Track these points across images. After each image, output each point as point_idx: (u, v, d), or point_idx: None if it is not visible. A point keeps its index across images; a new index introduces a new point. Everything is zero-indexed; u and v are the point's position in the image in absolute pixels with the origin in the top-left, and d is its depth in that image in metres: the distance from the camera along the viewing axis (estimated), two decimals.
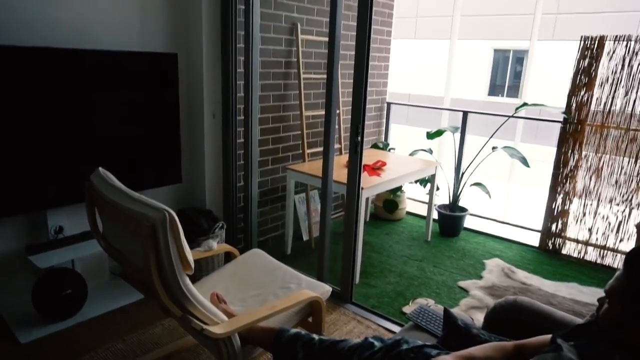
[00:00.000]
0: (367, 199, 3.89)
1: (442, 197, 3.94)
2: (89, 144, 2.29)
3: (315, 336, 1.48)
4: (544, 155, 4.22)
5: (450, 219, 3.72)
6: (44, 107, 2.10)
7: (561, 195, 3.41)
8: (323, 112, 2.53)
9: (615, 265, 3.27)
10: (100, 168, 1.64)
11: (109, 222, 1.62)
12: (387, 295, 2.75)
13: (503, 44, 12.15)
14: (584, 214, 3.35)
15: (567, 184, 3.37)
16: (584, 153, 3.28)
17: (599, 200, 3.28)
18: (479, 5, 11.43)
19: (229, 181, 2.94)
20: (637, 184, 3.10)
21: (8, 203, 2.09)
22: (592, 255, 3.36)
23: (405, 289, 2.84)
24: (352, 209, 2.45)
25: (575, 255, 3.41)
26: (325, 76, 2.41)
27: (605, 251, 3.29)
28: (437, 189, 3.64)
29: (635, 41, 2.99)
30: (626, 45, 3.02)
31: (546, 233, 3.51)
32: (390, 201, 3.91)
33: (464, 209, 3.76)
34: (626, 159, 3.13)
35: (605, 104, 3.15)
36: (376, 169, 3.09)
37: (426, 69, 12.98)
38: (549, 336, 1.20)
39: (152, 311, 2.31)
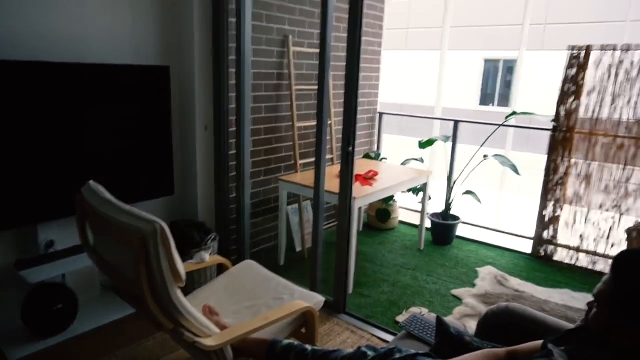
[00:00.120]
0: (360, 208, 3.89)
1: (434, 206, 3.96)
2: (81, 157, 2.29)
3: (308, 347, 1.48)
4: (534, 163, 4.26)
5: (443, 227, 3.73)
6: (35, 120, 2.10)
7: (552, 202, 3.44)
8: (315, 123, 2.54)
9: (606, 271, 3.29)
10: (91, 181, 1.64)
11: (100, 235, 1.61)
12: (381, 304, 2.74)
13: (493, 53, 12.32)
14: (575, 221, 3.38)
15: (558, 190, 3.40)
16: (573, 160, 3.32)
17: (589, 206, 3.31)
18: (469, 17, 11.61)
19: (221, 193, 2.94)
20: (626, 190, 3.14)
21: None
22: (583, 261, 3.38)
23: (398, 298, 2.83)
24: (344, 218, 2.46)
25: (567, 261, 3.43)
26: (316, 87, 2.43)
27: (597, 257, 3.32)
28: (429, 197, 3.66)
29: (621, 50, 3.05)
30: (612, 54, 3.08)
31: (538, 240, 3.54)
32: (382, 210, 3.92)
33: (456, 217, 3.78)
34: (614, 166, 3.17)
35: (593, 111, 3.20)
36: (368, 178, 3.11)
37: (418, 79, 13.11)
38: (541, 342, 1.21)
39: (143, 325, 2.29)
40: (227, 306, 1.86)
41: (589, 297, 1.11)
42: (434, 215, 3.81)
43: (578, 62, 3.19)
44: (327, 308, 2.50)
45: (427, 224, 3.72)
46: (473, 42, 12.10)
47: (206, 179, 2.91)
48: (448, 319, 1.53)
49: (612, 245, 3.25)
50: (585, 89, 3.20)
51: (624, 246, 3.17)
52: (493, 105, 12.76)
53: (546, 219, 3.48)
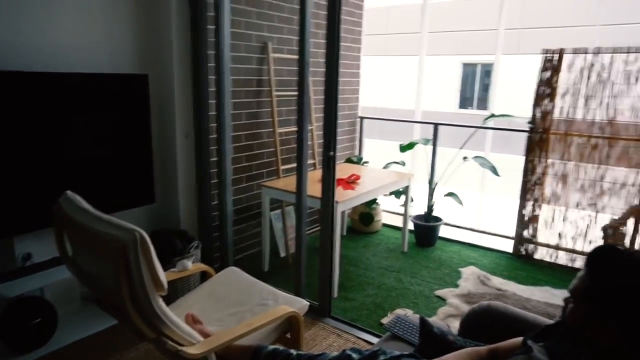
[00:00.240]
0: (343, 212, 3.91)
1: (417, 208, 4.00)
2: (58, 167, 2.25)
3: (293, 351, 1.48)
4: (514, 164, 4.34)
5: (426, 229, 3.77)
6: (10, 131, 2.05)
7: (531, 202, 3.51)
8: (296, 129, 2.55)
9: None
10: (68, 191, 1.61)
11: (79, 245, 1.58)
12: (366, 307, 2.75)
13: (471, 58, 12.54)
14: (554, 219, 3.45)
15: (536, 190, 3.47)
16: (550, 160, 3.40)
17: (567, 205, 3.39)
18: (446, 22, 11.81)
19: (204, 200, 2.92)
20: (601, 189, 3.23)
21: None
22: (563, 259, 3.45)
23: (383, 300, 2.85)
24: (327, 222, 2.47)
25: (548, 259, 3.50)
26: (297, 93, 2.44)
27: (575, 254, 3.39)
28: (412, 200, 3.70)
29: (592, 53, 3.14)
30: (584, 58, 3.17)
31: (519, 239, 3.60)
32: (366, 214, 3.94)
33: (438, 219, 3.82)
34: (590, 165, 3.26)
35: (567, 113, 3.28)
36: (350, 182, 3.12)
37: (398, 83, 13.25)
38: (521, 339, 1.23)
39: (126, 336, 2.25)
40: (211, 314, 1.84)
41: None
42: (416, 217, 3.84)
43: (552, 65, 3.28)
44: (312, 313, 2.50)
45: (411, 226, 3.75)
46: (451, 47, 12.30)
47: (188, 187, 2.89)
48: (432, 319, 1.55)
49: (590, 243, 3.32)
50: (559, 91, 3.28)
51: (601, 243, 3.25)
52: (472, 108, 12.97)
53: (526, 218, 3.55)
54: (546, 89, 3.32)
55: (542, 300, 2.87)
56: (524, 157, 3.49)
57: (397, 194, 3.77)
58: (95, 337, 2.32)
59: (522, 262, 3.53)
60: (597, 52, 3.11)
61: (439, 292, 2.96)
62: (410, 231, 3.78)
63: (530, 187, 3.49)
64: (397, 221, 4.14)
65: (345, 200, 2.79)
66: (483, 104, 12.61)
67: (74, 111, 2.26)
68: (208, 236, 2.96)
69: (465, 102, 13.13)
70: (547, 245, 3.49)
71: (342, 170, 3.48)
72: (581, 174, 3.30)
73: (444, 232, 3.91)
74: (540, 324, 1.43)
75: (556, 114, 3.31)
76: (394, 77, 13.43)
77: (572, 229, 3.39)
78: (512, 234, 3.66)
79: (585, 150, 3.26)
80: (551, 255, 3.49)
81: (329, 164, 2.38)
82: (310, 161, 3.53)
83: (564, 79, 3.25)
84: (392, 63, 13.43)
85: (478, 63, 12.72)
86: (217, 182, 2.90)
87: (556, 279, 3.24)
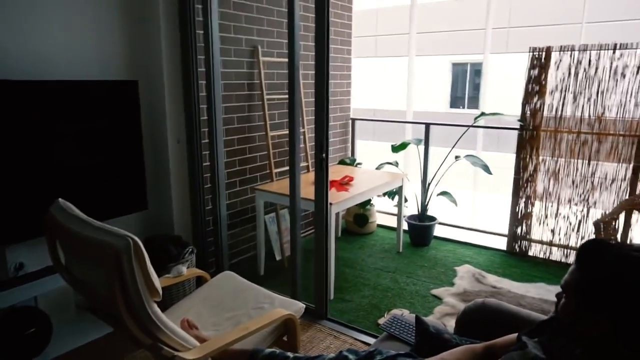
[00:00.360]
0: (338, 214, 3.91)
1: (411, 208, 4.01)
2: (49, 175, 2.23)
3: (290, 354, 1.47)
4: (505, 162, 4.38)
5: (420, 229, 3.78)
6: (1, 139, 2.04)
7: (523, 199, 3.53)
8: (288, 132, 2.56)
9: None
10: (59, 199, 1.60)
11: (72, 253, 1.57)
12: (363, 308, 2.76)
13: (460, 57, 12.63)
14: (546, 216, 3.48)
15: (528, 187, 3.50)
16: (541, 157, 3.43)
17: (559, 201, 3.42)
18: (434, 23, 11.89)
19: (197, 205, 2.91)
20: (592, 184, 3.26)
21: None
22: (556, 255, 3.48)
23: (380, 301, 2.85)
24: (322, 224, 2.47)
25: (541, 256, 3.52)
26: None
27: (569, 250, 3.42)
28: (406, 200, 3.71)
29: (579, 50, 3.17)
30: (570, 55, 3.21)
31: (512, 236, 3.62)
32: (360, 215, 3.94)
33: (433, 218, 3.84)
34: (580, 161, 3.29)
35: (556, 110, 3.31)
36: (344, 184, 3.13)
37: (389, 84, 13.31)
38: (516, 335, 1.24)
39: (121, 344, 2.23)
40: (207, 319, 1.84)
41: None
42: (411, 217, 3.86)
43: (540, 63, 3.31)
44: (309, 315, 2.50)
45: (405, 226, 3.76)
46: (439, 47, 12.39)
47: (181, 193, 2.88)
48: (428, 318, 1.56)
49: (582, 238, 3.35)
50: (548, 89, 3.31)
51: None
52: (463, 107, 13.05)
53: (519, 215, 3.57)
54: (535, 87, 3.35)
55: (537, 297, 2.89)
56: (515, 155, 3.52)
57: (390, 194, 3.79)
58: (91, 346, 2.30)
59: (516, 259, 3.56)
60: (584, 49, 3.15)
61: (434, 291, 2.97)
62: (405, 231, 3.79)
63: (522, 184, 3.52)
64: (392, 222, 4.15)
65: (339, 201, 2.80)
66: (474, 103, 12.69)
67: (64, 118, 2.25)
68: (202, 241, 2.95)
69: (456, 102, 13.21)
70: (541, 242, 3.52)
71: (336, 172, 3.48)
72: (572, 170, 3.33)
73: (438, 231, 3.92)
74: (534, 320, 1.44)
75: (546, 111, 3.35)
76: (385, 78, 13.48)
77: (564, 225, 3.42)
78: (506, 231, 3.68)
79: (575, 147, 3.29)
80: (545, 252, 3.51)
81: (321, 166, 2.38)
82: (303, 164, 3.54)
83: (552, 77, 3.29)
84: (382, 64, 13.49)
85: (467, 62, 12.82)
86: (211, 186, 2.89)
87: (550, 274, 3.26)
